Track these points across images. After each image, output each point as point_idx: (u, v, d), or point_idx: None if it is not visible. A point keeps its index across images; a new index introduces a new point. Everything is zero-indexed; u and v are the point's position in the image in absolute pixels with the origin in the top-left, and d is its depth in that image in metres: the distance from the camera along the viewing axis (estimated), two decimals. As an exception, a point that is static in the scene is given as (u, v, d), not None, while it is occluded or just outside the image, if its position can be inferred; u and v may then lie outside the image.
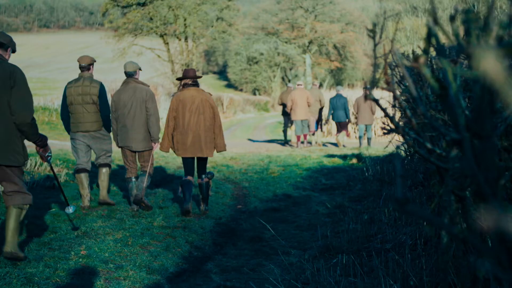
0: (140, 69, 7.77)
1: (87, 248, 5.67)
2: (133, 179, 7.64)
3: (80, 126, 7.54)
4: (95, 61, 7.75)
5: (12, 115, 5.03)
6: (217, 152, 7.80)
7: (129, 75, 7.64)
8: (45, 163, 5.98)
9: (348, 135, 17.22)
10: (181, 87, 7.74)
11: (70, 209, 6.45)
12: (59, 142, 17.61)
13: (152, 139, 7.56)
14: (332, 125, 22.04)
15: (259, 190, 9.61)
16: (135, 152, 7.64)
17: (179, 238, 6.32)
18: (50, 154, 5.83)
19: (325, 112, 20.02)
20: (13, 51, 5.32)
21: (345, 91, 23.27)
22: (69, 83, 7.64)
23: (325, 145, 17.87)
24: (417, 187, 5.56)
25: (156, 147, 7.68)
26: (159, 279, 5.00)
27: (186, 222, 7.04)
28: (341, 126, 16.89)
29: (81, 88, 7.50)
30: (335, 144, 17.74)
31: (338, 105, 16.55)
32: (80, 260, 5.29)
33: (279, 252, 5.71)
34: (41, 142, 5.50)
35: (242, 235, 6.69)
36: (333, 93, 32.53)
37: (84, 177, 7.54)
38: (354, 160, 12.50)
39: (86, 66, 7.62)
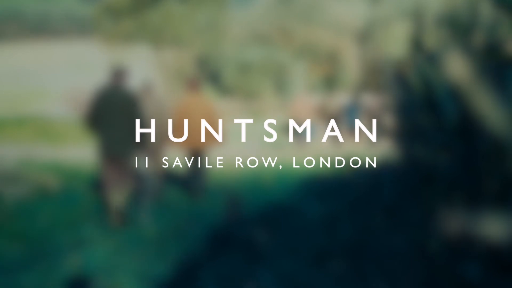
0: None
1: (79, 256, 5.64)
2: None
3: None
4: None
5: None
6: (218, 146, 9.41)
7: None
8: None
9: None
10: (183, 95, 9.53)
11: None
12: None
13: None
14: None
15: (253, 197, 9.58)
16: None
17: (171, 245, 6.30)
18: None
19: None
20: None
21: (339, 98, 24.28)
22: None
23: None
24: (408, 191, 5.57)
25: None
26: None
27: (178, 229, 7.01)
28: (350, 130, 17.95)
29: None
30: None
31: (349, 111, 17.79)
32: (72, 268, 5.26)
33: (273, 259, 5.69)
34: None
35: (235, 242, 6.66)
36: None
37: None
38: (350, 165, 12.48)
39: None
